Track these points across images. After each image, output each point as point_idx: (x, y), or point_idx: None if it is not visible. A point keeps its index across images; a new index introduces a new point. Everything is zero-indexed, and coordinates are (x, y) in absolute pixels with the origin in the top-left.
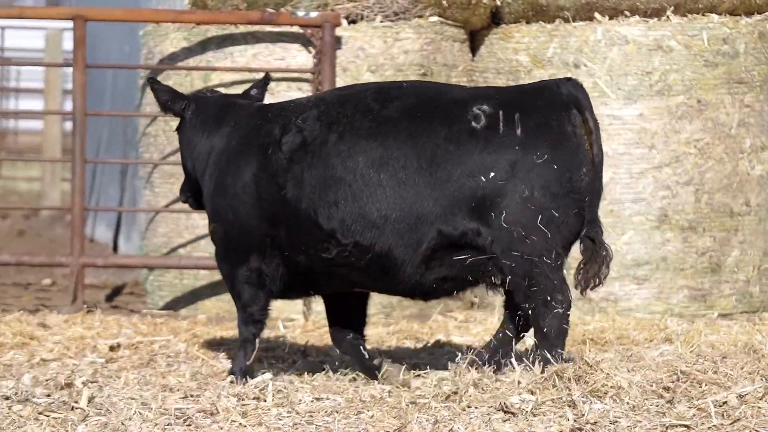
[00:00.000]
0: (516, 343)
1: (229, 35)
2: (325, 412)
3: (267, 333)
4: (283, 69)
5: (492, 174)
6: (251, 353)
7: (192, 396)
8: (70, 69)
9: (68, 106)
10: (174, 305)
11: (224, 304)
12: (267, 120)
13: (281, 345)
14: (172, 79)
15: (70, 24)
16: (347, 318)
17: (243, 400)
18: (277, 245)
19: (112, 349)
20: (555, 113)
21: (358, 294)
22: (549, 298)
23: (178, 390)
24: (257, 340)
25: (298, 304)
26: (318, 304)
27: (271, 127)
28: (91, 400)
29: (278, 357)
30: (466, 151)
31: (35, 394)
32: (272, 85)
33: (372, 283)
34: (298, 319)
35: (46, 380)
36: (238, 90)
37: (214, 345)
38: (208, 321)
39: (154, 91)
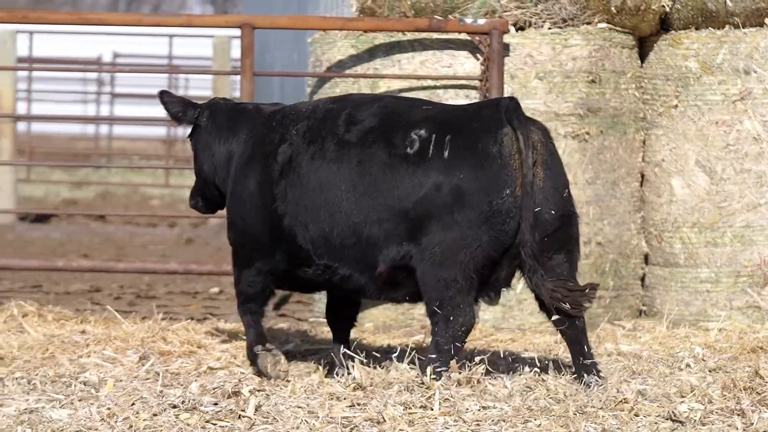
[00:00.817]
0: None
1: (397, 42)
2: (492, 420)
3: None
4: (451, 76)
5: (420, 197)
6: (256, 335)
7: (359, 405)
8: (239, 77)
9: None
10: None
11: (391, 312)
12: (274, 127)
13: None
14: (339, 87)
15: (237, 32)
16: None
17: (410, 408)
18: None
19: None
20: (484, 134)
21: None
22: (451, 318)
23: (344, 399)
24: (257, 322)
25: None
26: (485, 312)
27: (273, 136)
28: (258, 408)
29: None
30: (399, 176)
31: (202, 402)
32: (439, 92)
33: (353, 294)
34: None
35: (214, 388)
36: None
37: (381, 353)
38: (375, 329)
39: (164, 104)
